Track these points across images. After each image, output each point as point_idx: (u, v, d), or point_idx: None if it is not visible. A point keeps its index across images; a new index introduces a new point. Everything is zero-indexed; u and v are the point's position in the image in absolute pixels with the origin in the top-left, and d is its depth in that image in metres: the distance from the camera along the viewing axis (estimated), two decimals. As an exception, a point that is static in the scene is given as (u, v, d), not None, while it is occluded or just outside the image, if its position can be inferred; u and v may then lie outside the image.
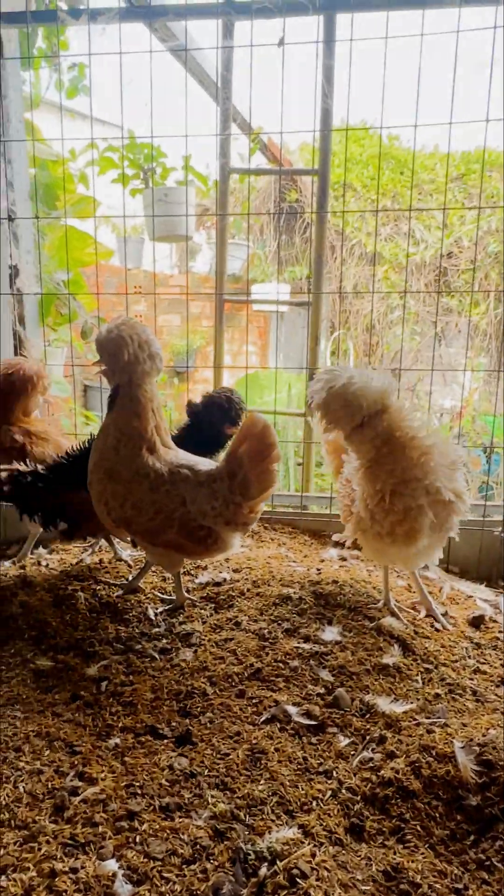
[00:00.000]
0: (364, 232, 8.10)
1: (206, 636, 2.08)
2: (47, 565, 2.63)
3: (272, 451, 1.98)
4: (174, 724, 1.65)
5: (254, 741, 1.57)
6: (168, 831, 1.29)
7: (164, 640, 2.08)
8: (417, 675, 1.92)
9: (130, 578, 2.43)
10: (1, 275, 3.10)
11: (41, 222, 3.38)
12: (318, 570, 2.57)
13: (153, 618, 2.20)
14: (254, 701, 1.74)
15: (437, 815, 1.43)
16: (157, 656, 1.98)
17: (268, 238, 8.23)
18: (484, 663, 2.06)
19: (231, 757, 1.51)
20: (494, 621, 2.32)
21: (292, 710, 1.69)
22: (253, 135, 5.02)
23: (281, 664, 1.90)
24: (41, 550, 2.77)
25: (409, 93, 2.76)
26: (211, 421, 2.53)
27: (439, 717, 1.72)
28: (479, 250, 7.90)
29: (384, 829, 1.38)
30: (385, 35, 2.63)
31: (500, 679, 1.98)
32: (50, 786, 1.43)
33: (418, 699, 1.80)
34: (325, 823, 1.35)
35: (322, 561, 2.72)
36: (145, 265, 8.22)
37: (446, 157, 7.84)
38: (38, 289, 3.26)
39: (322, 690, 1.79)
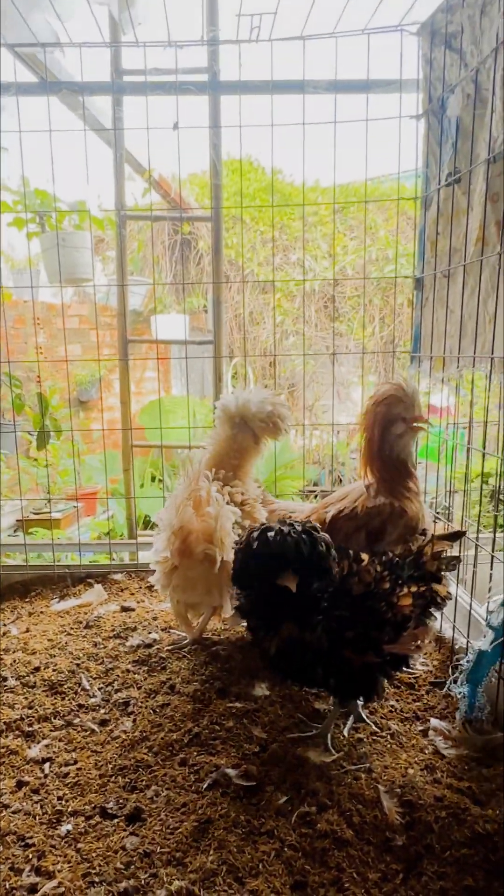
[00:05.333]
0: (255, 262, 8.39)
1: (142, 703, 2.17)
2: (-28, 639, 2.63)
3: None
4: (122, 801, 1.74)
5: (200, 810, 1.69)
6: (130, 916, 1.39)
7: (103, 711, 2.15)
8: (341, 719, 2.10)
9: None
10: None
11: None
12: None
13: (88, 688, 2.27)
14: (195, 768, 1.85)
15: (370, 859, 1.60)
16: (96, 729, 2.06)
17: (164, 270, 8.34)
18: (399, 699, 2.27)
19: (180, 830, 1.62)
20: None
21: (232, 772, 1.82)
22: (146, 174, 5.13)
23: (217, 726, 2.02)
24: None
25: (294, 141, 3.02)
26: None
27: (364, 763, 1.91)
28: (362, 279, 8.38)
29: (325, 881, 1.53)
30: (271, 122, 2.85)
31: (413, 714, 2.20)
32: (8, 885, 1.48)
33: (344, 746, 1.98)
34: (272, 885, 1.49)
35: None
36: (41, 297, 8.13)
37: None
38: None
39: (257, 749, 1.93)
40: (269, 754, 1.90)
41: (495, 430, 2.42)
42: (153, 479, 6.94)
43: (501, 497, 2.83)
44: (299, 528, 1.85)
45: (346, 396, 8.32)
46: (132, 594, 3.05)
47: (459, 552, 2.36)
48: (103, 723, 2.09)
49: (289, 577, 1.79)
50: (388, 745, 2.02)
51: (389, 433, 2.36)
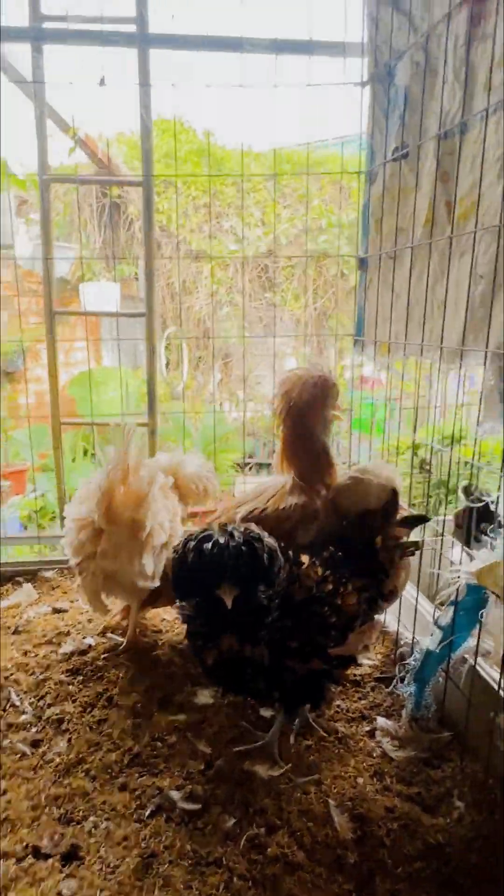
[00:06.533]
0: (188, 229, 8.10)
1: (77, 719, 2.03)
2: None
3: None
4: (57, 837, 1.61)
5: (143, 843, 1.58)
6: None
7: (34, 730, 2.00)
8: (288, 725, 2.03)
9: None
10: None
11: None
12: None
13: (18, 704, 2.11)
14: (137, 793, 1.74)
15: (322, 881, 1.53)
16: (27, 751, 1.91)
17: (92, 234, 7.94)
18: (345, 698, 2.22)
19: (122, 868, 1.51)
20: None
21: (176, 795, 1.72)
22: (71, 131, 4.78)
23: (159, 742, 1.91)
24: None
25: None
26: None
27: (313, 774, 1.84)
28: (297, 248, 8.26)
29: (276, 910, 1.46)
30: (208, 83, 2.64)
31: (359, 714, 2.15)
32: None
33: (292, 755, 1.90)
34: (222, 923, 1.40)
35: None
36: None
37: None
38: None
39: (202, 766, 1.83)
40: (215, 771, 1.81)
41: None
42: (85, 452, 6.70)
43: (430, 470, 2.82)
44: (239, 539, 1.71)
45: (279, 368, 8.25)
46: (65, 593, 2.88)
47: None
48: (35, 744, 1.94)
49: (225, 590, 1.67)
50: (337, 751, 1.96)
51: (308, 420, 2.17)
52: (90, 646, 2.40)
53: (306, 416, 2.18)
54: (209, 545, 1.66)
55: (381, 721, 2.12)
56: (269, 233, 8.24)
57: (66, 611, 2.69)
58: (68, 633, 2.49)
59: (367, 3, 2.59)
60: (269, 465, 7.39)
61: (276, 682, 1.82)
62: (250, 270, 8.18)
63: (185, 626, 1.92)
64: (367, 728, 2.09)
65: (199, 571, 1.66)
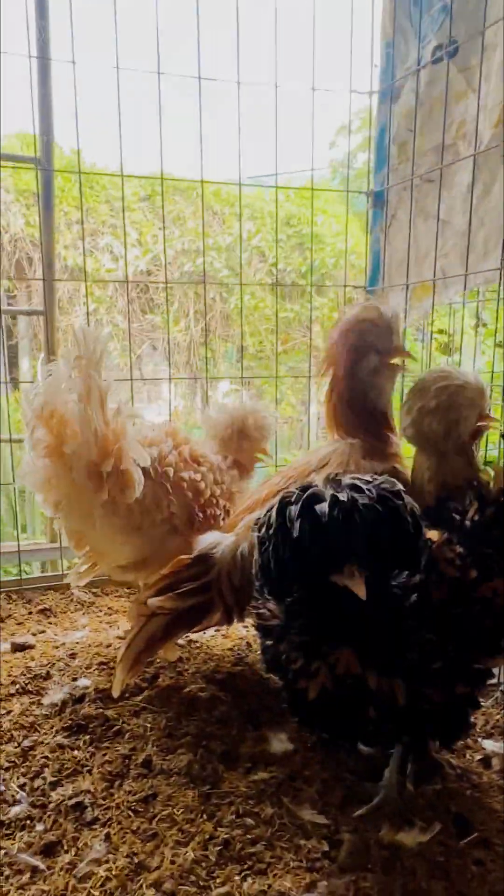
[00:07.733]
0: (62, 244, 7.48)
1: (106, 799, 1.34)
2: None
3: None
4: None
5: None
6: None
7: (40, 826, 1.29)
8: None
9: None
10: None
11: None
12: (197, 643, 1.97)
13: (2, 788, 1.38)
14: (251, 908, 1.11)
15: None
16: (41, 865, 1.20)
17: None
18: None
19: None
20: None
21: (312, 900, 1.12)
22: None
23: (249, 819, 1.28)
24: None
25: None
26: None
27: (470, 831, 1.31)
28: (175, 269, 7.87)
29: None
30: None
31: (483, 760, 1.63)
32: None
33: (421, 806, 1.36)
34: None
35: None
36: None
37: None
38: None
39: (325, 846, 1.23)
40: (348, 852, 1.22)
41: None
42: None
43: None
44: (373, 492, 1.16)
45: (155, 396, 7.84)
46: (20, 624, 2.12)
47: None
48: (49, 851, 1.24)
49: (355, 577, 1.11)
50: (466, 793, 1.45)
51: (360, 368, 1.74)
52: (86, 689, 1.69)
53: (340, 363, 1.75)
54: (325, 506, 1.11)
55: (488, 745, 1.65)
56: (147, 252, 7.85)
57: (31, 646, 1.94)
58: (48, 676, 1.76)
59: None
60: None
61: (408, 720, 1.28)
62: (130, 290, 7.67)
63: (265, 642, 1.36)
64: (479, 757, 1.60)
65: (314, 547, 1.10)
